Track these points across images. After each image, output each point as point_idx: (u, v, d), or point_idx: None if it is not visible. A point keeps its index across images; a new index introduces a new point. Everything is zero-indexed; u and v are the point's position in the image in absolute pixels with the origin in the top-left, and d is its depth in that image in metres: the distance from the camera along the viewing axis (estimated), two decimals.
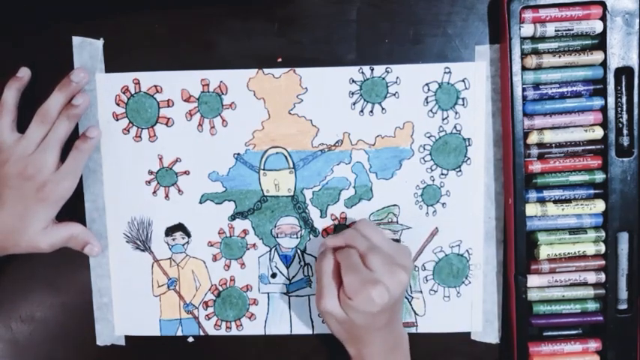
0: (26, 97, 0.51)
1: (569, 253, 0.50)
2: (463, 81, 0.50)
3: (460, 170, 0.51)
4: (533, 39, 0.48)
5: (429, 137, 0.51)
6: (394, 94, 0.51)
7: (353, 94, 0.51)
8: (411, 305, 0.53)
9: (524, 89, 0.48)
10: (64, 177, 0.49)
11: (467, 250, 0.52)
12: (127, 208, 0.52)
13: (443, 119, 0.51)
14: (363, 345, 0.46)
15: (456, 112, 0.51)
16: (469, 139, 0.51)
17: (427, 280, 0.53)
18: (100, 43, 0.51)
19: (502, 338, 0.53)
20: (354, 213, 0.52)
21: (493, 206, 0.51)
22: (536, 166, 0.49)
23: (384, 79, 0.51)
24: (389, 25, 0.50)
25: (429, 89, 0.51)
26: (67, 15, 0.51)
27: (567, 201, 0.49)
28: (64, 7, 0.51)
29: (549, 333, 0.51)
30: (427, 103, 0.51)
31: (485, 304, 0.53)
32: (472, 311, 0.53)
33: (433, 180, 0.52)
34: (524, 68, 0.48)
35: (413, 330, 0.53)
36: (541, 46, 0.48)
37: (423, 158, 0.51)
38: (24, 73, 0.50)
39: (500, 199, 0.51)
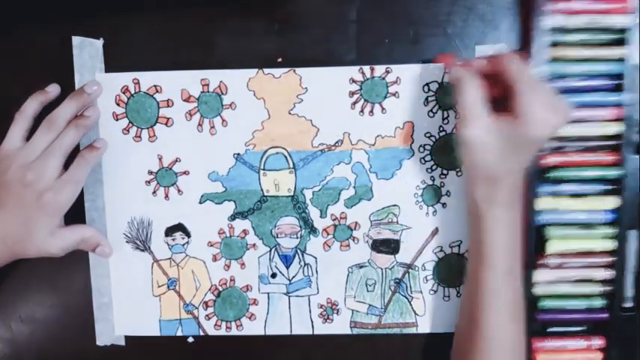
0: (25, 97, 0.51)
1: (578, 249, 0.49)
2: None
3: (460, 170, 0.51)
4: (557, 31, 0.48)
5: (429, 137, 0.51)
6: (394, 94, 0.51)
7: (353, 94, 0.51)
8: (410, 305, 0.53)
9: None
10: (65, 185, 0.48)
11: (467, 251, 0.52)
12: (127, 208, 0.52)
13: (443, 119, 0.51)
14: (494, 185, 0.44)
15: (457, 112, 0.51)
16: None
17: (427, 280, 0.53)
18: (99, 43, 0.51)
19: None
20: (354, 213, 0.52)
21: None
22: (550, 159, 0.49)
23: (384, 79, 0.51)
24: (389, 25, 0.50)
25: (429, 89, 0.51)
26: (67, 15, 0.51)
27: (580, 196, 0.49)
28: (64, 7, 0.51)
29: (553, 329, 0.51)
30: (427, 103, 0.51)
31: None
32: None
33: (433, 180, 0.52)
34: (547, 60, 0.48)
35: (413, 330, 0.53)
36: (564, 38, 0.48)
37: (424, 158, 0.51)
38: (52, 89, 0.50)
39: None
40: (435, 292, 0.53)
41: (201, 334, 0.54)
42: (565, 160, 0.49)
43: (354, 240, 0.52)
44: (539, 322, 0.50)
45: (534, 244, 0.49)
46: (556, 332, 0.51)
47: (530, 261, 0.49)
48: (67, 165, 0.49)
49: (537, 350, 0.50)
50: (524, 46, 0.48)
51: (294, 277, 0.53)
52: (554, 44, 0.48)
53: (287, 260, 0.53)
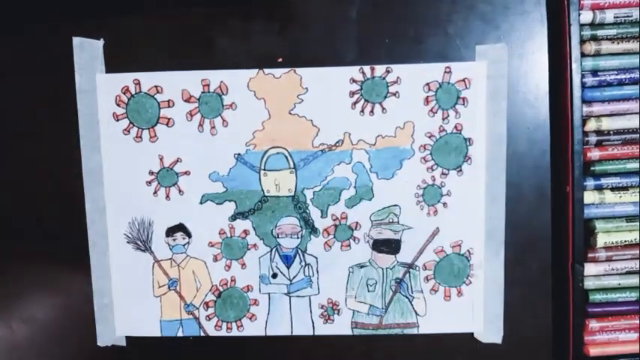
0: (25, 98, 0.51)
1: (625, 241, 0.50)
2: (463, 80, 0.50)
3: (461, 170, 0.51)
4: (592, 25, 0.48)
5: (429, 137, 0.51)
6: (395, 94, 0.51)
7: (353, 93, 0.51)
8: (412, 305, 0.53)
9: (582, 76, 0.48)
10: None
11: (468, 250, 0.52)
12: (128, 209, 0.52)
13: (443, 119, 0.51)
14: None
15: (457, 112, 0.51)
16: (469, 138, 0.51)
17: (428, 280, 0.53)
18: (100, 43, 0.51)
19: (504, 337, 0.53)
20: (354, 213, 0.52)
21: (494, 206, 0.51)
22: (594, 154, 0.49)
23: (384, 78, 0.51)
24: (389, 25, 0.50)
25: (429, 89, 0.51)
26: (67, 15, 0.51)
27: (624, 188, 0.50)
28: (64, 7, 0.51)
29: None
30: (428, 102, 0.51)
31: (487, 304, 0.53)
32: (473, 311, 0.53)
33: (434, 180, 0.52)
34: (582, 55, 0.48)
35: (414, 330, 0.53)
36: (600, 32, 0.48)
37: (424, 158, 0.51)
38: None
39: (501, 199, 0.51)
40: (436, 291, 0.53)
41: (202, 334, 0.54)
42: (608, 153, 0.49)
43: (354, 240, 0.52)
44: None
45: (582, 238, 0.49)
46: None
47: (579, 255, 0.49)
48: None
49: (589, 343, 0.51)
50: (562, 41, 0.48)
51: (294, 277, 0.53)
52: (591, 39, 0.48)
53: (288, 260, 0.53)
